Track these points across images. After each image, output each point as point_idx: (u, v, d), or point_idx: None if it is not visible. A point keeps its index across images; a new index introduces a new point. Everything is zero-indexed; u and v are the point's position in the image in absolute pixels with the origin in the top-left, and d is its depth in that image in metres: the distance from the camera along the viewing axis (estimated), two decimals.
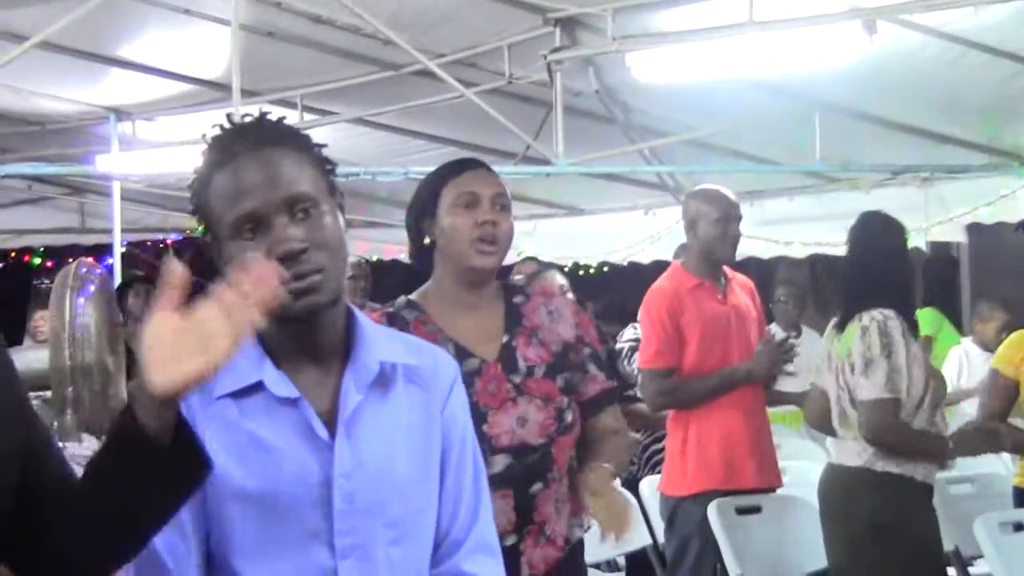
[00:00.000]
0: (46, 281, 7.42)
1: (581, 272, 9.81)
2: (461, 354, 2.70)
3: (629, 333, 5.68)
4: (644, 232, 9.06)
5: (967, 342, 7.96)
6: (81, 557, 1.63)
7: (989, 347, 6.88)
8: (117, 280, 8.28)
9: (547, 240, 9.38)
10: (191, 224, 10.85)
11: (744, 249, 8.03)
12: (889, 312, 3.93)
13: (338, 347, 1.87)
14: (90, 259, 4.27)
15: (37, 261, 12.32)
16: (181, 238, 11.79)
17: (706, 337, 4.56)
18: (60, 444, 3.99)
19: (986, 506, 4.64)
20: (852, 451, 3.99)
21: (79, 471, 1.68)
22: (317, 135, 1.94)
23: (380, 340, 1.91)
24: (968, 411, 5.79)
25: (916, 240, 7.26)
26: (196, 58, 7.58)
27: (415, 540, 1.88)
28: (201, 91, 8.06)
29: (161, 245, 12.49)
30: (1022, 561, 4.23)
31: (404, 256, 3.01)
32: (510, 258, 3.04)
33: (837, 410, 4.05)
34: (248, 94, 6.96)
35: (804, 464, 5.34)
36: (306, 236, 1.79)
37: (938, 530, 4.03)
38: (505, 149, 7.79)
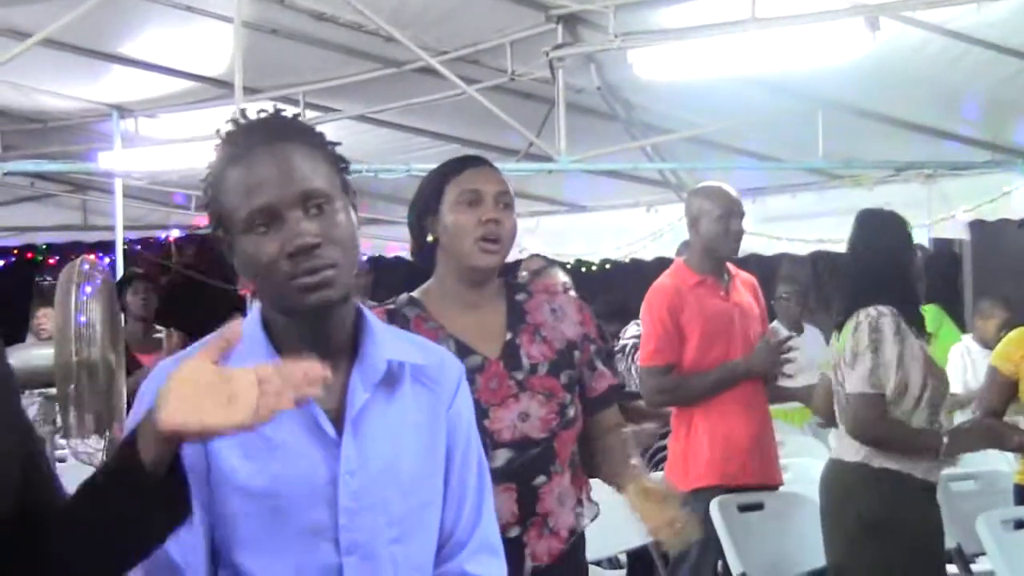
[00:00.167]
0: (48, 278, 7.43)
1: (583, 269, 9.81)
2: (462, 351, 2.70)
3: (632, 330, 5.68)
4: (646, 229, 9.06)
5: (968, 339, 7.95)
6: (70, 572, 1.63)
7: (989, 344, 6.87)
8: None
9: (549, 237, 9.39)
10: (193, 221, 10.91)
11: (746, 246, 8.01)
12: (884, 309, 3.92)
13: (346, 345, 1.88)
14: (92, 256, 4.27)
15: (40, 258, 12.33)
16: (183, 235, 11.80)
17: (708, 334, 4.57)
18: (64, 441, 4.01)
19: (988, 503, 4.64)
20: (851, 446, 3.99)
21: (84, 468, 1.68)
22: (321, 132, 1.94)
23: (388, 339, 1.92)
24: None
25: (919, 237, 7.24)
26: (199, 55, 7.58)
27: (419, 538, 1.89)
28: (204, 88, 8.06)
29: (163, 242, 12.51)
30: None
31: (406, 253, 3.01)
32: (513, 255, 3.03)
33: (837, 406, 4.07)
34: (251, 91, 6.96)
35: (806, 461, 5.34)
36: (320, 231, 1.79)
37: (939, 528, 4.02)
38: (507, 146, 7.79)
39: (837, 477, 4.03)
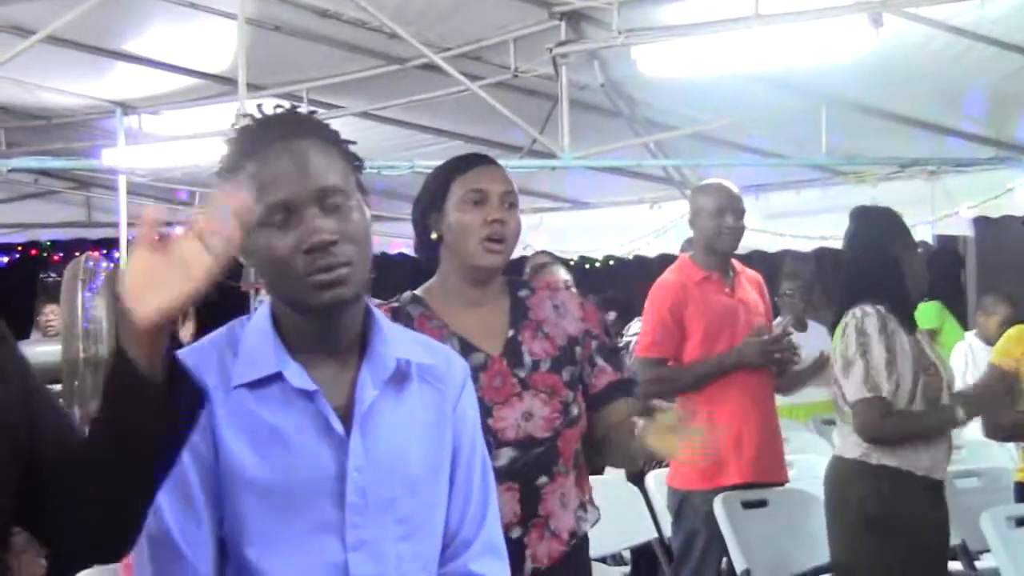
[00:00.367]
0: (53, 275, 7.44)
1: (587, 266, 9.81)
2: (466, 349, 2.70)
3: (636, 327, 5.68)
4: (649, 226, 9.05)
5: (971, 336, 7.95)
6: (95, 514, 1.63)
7: (992, 341, 6.87)
8: None
9: (552, 233, 9.39)
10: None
11: (750, 242, 8.04)
12: (869, 309, 3.92)
13: (355, 342, 1.88)
14: (96, 253, 4.28)
15: (44, 255, 12.34)
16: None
17: (712, 330, 4.57)
18: None
19: (992, 500, 4.64)
20: (851, 443, 4.00)
21: None
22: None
23: (396, 337, 1.92)
24: None
25: (923, 233, 7.25)
26: (202, 52, 7.58)
27: (424, 536, 1.89)
28: (207, 85, 8.06)
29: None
30: None
31: (409, 250, 3.01)
32: (517, 252, 3.03)
33: (836, 409, 4.08)
34: (254, 88, 6.96)
35: (810, 458, 5.33)
36: (337, 229, 1.80)
37: (941, 526, 4.00)
38: (511, 143, 7.78)
39: (838, 474, 4.04)
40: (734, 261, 4.75)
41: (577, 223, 9.75)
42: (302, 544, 1.81)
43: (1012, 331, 4.66)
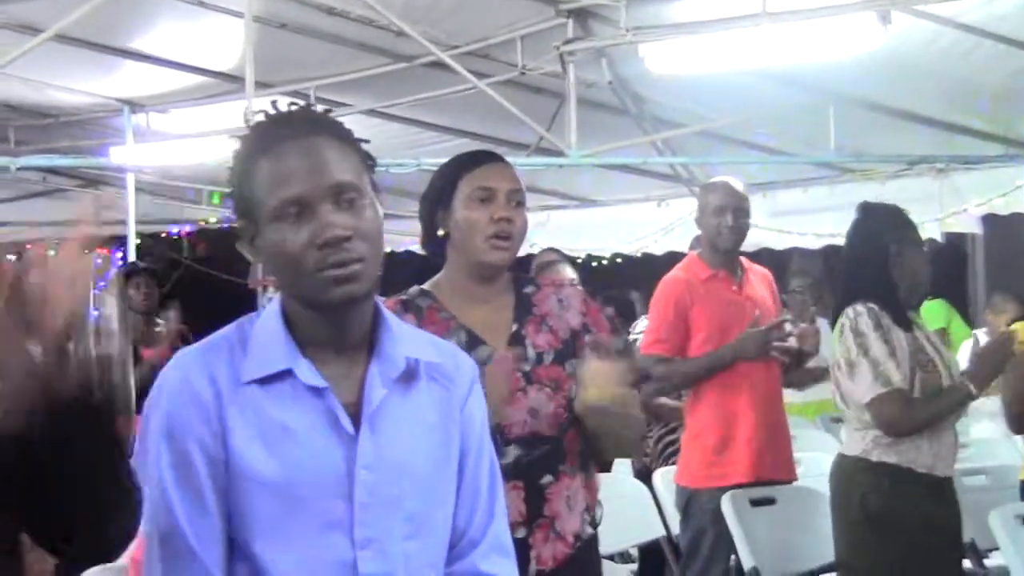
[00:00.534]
0: None
1: (594, 263, 9.81)
2: (473, 342, 2.71)
3: (642, 325, 5.68)
4: (657, 223, 9.05)
5: (980, 334, 7.93)
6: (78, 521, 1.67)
7: None
8: None
9: (560, 231, 9.38)
10: (204, 216, 10.93)
11: (758, 240, 8.05)
12: (861, 307, 3.91)
13: (364, 340, 1.88)
14: (104, 250, 4.27)
15: (51, 253, 12.34)
16: (195, 230, 11.82)
17: (718, 327, 4.56)
18: None
19: (1000, 498, 4.63)
20: (852, 440, 4.01)
21: None
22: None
23: (405, 336, 1.93)
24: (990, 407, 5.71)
25: (930, 231, 7.24)
26: (209, 50, 7.59)
27: (431, 535, 1.89)
28: (214, 83, 8.07)
29: (175, 237, 12.52)
30: None
31: (416, 247, 3.01)
32: (524, 249, 3.03)
33: (836, 403, 4.08)
34: (261, 86, 6.97)
35: (819, 456, 5.32)
36: (350, 224, 1.80)
37: (943, 524, 3.97)
38: (518, 140, 7.78)
39: (841, 471, 4.04)
40: (742, 258, 4.75)
41: (584, 221, 9.75)
42: (310, 541, 1.81)
43: (1018, 325, 4.64)
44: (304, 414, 1.82)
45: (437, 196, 2.83)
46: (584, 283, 4.80)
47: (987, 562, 4.71)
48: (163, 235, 12.28)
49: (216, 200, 10.09)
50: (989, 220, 8.01)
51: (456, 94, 7.20)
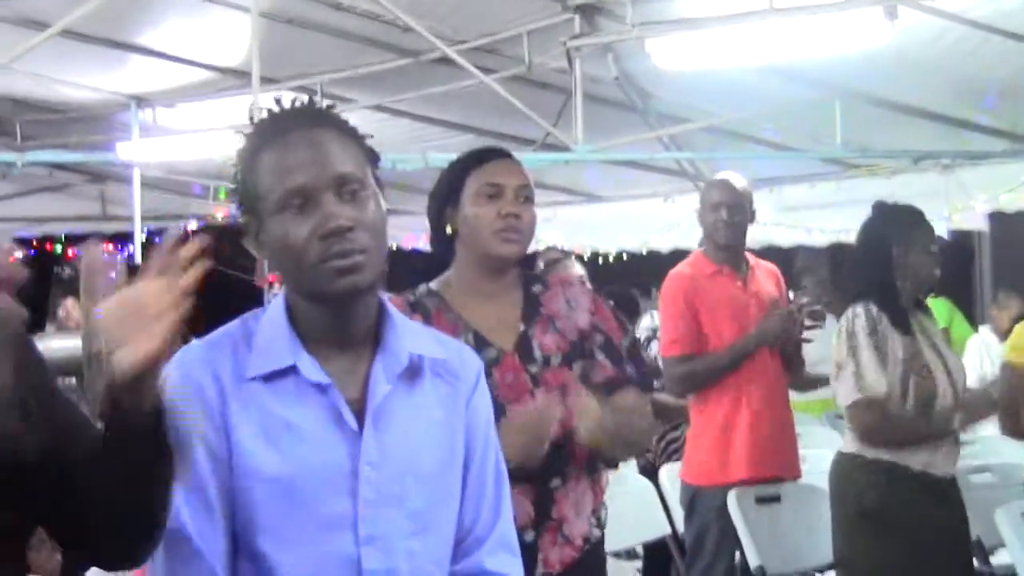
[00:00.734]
0: (68, 269, 7.47)
1: (600, 259, 9.81)
2: (480, 344, 2.70)
3: (646, 322, 5.68)
4: (663, 219, 9.05)
5: (985, 331, 7.92)
6: (112, 528, 1.67)
7: (1005, 335, 6.83)
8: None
9: (566, 227, 9.39)
10: (211, 211, 10.92)
11: (764, 236, 8.05)
12: (860, 309, 3.91)
13: (369, 335, 1.88)
14: (110, 246, 4.27)
15: (59, 248, 12.39)
16: (202, 225, 11.83)
17: (725, 323, 4.56)
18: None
19: (1006, 495, 4.62)
20: (850, 438, 4.02)
21: None
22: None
23: (409, 331, 1.92)
24: None
25: (937, 228, 7.21)
26: (216, 45, 7.59)
27: (436, 532, 1.89)
28: (221, 78, 8.08)
29: (182, 232, 12.52)
30: None
31: (423, 244, 3.01)
32: (531, 246, 3.02)
33: (837, 402, 4.09)
34: (268, 81, 6.97)
35: (824, 453, 5.31)
36: (353, 216, 1.80)
37: (947, 522, 3.96)
38: (524, 136, 7.79)
39: (838, 468, 4.05)
40: (748, 254, 4.74)
41: (591, 216, 9.76)
42: (314, 538, 1.81)
43: (1020, 327, 4.62)
44: (308, 410, 1.83)
45: (445, 193, 2.82)
46: (589, 279, 4.80)
47: (993, 560, 4.71)
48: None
49: (223, 195, 10.10)
50: (996, 218, 8.00)
51: (462, 89, 7.20)
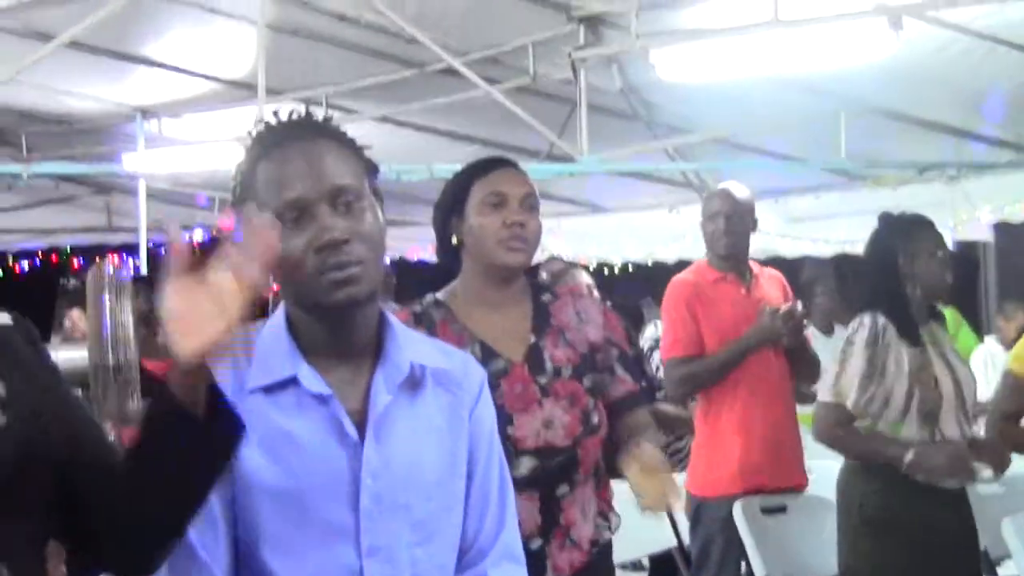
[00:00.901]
0: (73, 280, 7.48)
1: (605, 271, 9.81)
2: (487, 355, 2.70)
3: (650, 331, 5.67)
4: (668, 230, 9.05)
5: (991, 342, 7.91)
6: (130, 537, 1.67)
7: (1011, 346, 6.82)
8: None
9: (571, 238, 9.38)
10: (217, 222, 10.91)
11: (769, 247, 8.05)
12: (868, 320, 3.90)
13: (369, 346, 1.88)
14: (116, 258, 4.29)
15: (64, 260, 12.40)
16: (207, 236, 11.84)
17: (727, 328, 4.56)
18: None
19: (1013, 506, 4.60)
20: None
21: None
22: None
23: (410, 341, 1.92)
24: None
25: None
26: (222, 57, 7.61)
27: (440, 542, 1.89)
28: (227, 90, 8.09)
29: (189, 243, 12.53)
30: None
31: (428, 255, 3.02)
32: (536, 257, 3.03)
33: None
34: (273, 93, 6.99)
35: (830, 464, 5.30)
36: (348, 228, 1.80)
37: (954, 531, 3.94)
38: (529, 147, 7.79)
39: (845, 475, 4.05)
40: (752, 263, 4.75)
41: (596, 228, 9.75)
42: (317, 549, 1.81)
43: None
44: (309, 422, 1.82)
45: (450, 204, 2.82)
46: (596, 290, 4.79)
47: (1000, 571, 4.69)
48: None
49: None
50: (1001, 228, 8.00)
51: (468, 101, 7.21)
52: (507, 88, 6.99)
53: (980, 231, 7.92)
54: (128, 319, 3.39)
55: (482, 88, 6.73)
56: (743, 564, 4.54)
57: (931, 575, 3.90)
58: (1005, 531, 4.29)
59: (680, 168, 8.24)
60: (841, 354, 3.92)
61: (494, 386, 2.04)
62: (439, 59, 6.70)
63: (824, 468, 5.06)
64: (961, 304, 8.65)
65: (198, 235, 11.73)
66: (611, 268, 9.94)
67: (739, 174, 6.72)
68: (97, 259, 4.11)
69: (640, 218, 9.49)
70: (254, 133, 1.89)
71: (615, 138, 7.36)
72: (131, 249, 10.30)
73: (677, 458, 5.36)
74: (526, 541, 2.04)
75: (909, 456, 3.81)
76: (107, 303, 3.28)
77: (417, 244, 9.73)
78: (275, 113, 1.90)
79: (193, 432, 1.59)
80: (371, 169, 1.91)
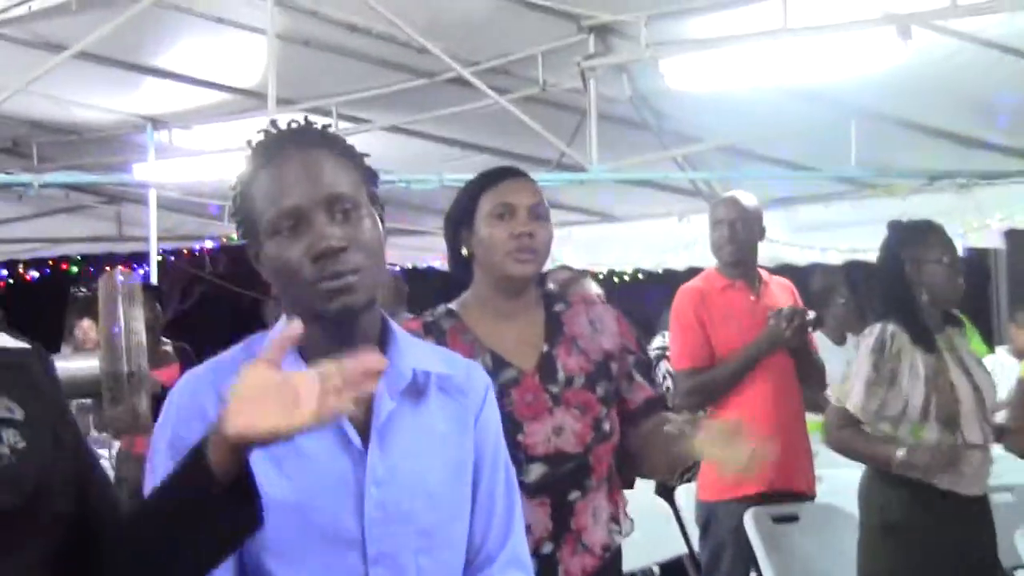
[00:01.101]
0: (84, 290, 7.49)
1: (616, 279, 9.80)
2: (498, 364, 2.70)
3: (658, 341, 5.67)
4: (678, 239, 9.04)
5: (1002, 351, 7.89)
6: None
7: (1021, 355, 6.82)
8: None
9: (581, 247, 9.38)
10: (227, 232, 10.96)
11: (779, 255, 8.04)
12: (877, 328, 3.91)
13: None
14: (126, 268, 4.30)
15: (75, 269, 12.42)
16: (217, 246, 11.86)
17: (735, 335, 4.56)
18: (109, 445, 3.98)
19: None
20: None
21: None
22: (352, 143, 1.95)
23: (413, 348, 1.92)
24: None
25: None
26: (232, 67, 7.62)
27: (446, 549, 1.89)
28: (237, 100, 8.11)
29: (198, 253, 12.56)
30: None
31: (439, 264, 3.02)
32: (546, 265, 3.03)
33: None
34: (283, 102, 6.99)
35: (841, 472, 5.30)
36: (345, 236, 1.80)
37: (972, 540, 3.93)
38: (539, 156, 7.79)
39: (864, 481, 4.05)
40: (761, 270, 4.75)
41: (606, 236, 9.75)
42: (322, 557, 1.81)
43: None
44: (312, 431, 1.83)
45: (459, 216, 2.83)
46: (606, 299, 4.80)
47: None
48: (186, 251, 12.33)
49: None
50: (1012, 236, 7.98)
51: (478, 110, 7.21)
52: (517, 98, 6.99)
53: (991, 239, 7.90)
54: (140, 327, 3.41)
55: (492, 98, 6.74)
56: (753, 572, 4.54)
57: None
58: (1018, 542, 4.28)
59: (690, 177, 8.23)
60: (853, 360, 3.94)
61: (504, 395, 2.04)
62: (449, 69, 6.71)
63: (837, 477, 5.06)
64: (972, 312, 8.64)
65: (208, 244, 11.75)
66: (621, 277, 9.93)
67: (748, 183, 6.73)
68: (107, 268, 4.11)
69: (650, 227, 9.49)
70: (253, 142, 1.90)
71: (625, 147, 7.36)
72: (141, 258, 10.31)
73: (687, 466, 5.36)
74: (538, 546, 2.03)
75: (900, 454, 3.82)
76: (120, 311, 3.29)
77: (428, 253, 9.74)
78: (273, 122, 1.91)
79: (213, 500, 1.57)
80: (370, 177, 1.90)
